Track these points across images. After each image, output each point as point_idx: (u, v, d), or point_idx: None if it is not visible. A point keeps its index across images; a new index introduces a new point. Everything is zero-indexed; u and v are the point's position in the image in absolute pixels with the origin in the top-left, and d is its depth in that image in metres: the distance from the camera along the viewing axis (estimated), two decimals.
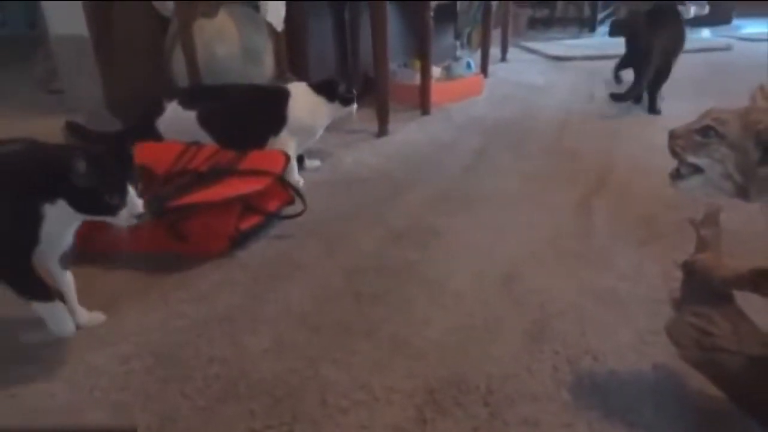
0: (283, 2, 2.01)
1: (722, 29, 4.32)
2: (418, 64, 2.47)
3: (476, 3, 3.33)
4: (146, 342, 1.05)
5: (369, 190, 1.74)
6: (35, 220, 0.94)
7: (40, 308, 1.00)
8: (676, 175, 0.81)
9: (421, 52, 2.39)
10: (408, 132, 2.25)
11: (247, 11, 1.98)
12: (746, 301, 0.84)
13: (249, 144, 1.65)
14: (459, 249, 1.37)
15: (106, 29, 1.98)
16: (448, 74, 2.75)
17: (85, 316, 1.10)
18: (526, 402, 0.90)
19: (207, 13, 1.90)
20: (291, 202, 1.52)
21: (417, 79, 2.47)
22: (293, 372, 0.97)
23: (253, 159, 1.52)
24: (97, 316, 1.11)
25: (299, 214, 1.49)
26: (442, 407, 0.89)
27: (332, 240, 1.42)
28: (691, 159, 0.78)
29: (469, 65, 2.82)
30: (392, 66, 2.43)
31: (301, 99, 1.81)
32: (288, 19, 2.05)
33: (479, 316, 1.11)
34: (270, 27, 2.01)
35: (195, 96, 1.78)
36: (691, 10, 4.63)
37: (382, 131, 2.22)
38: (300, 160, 1.89)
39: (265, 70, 2.04)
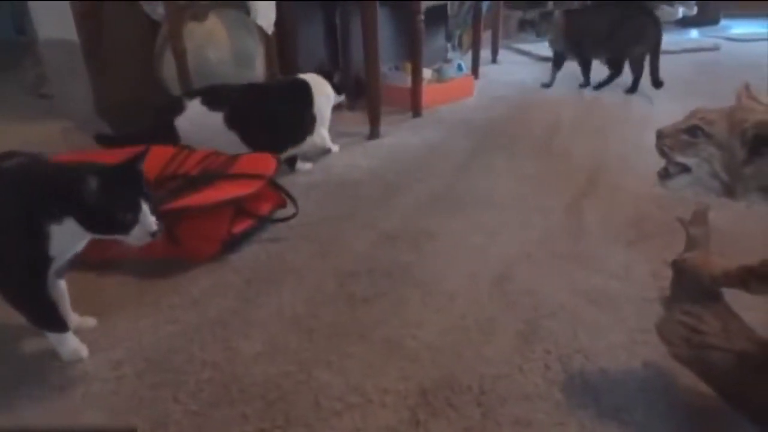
0: (274, 5, 2.01)
1: (710, 30, 4.36)
2: (409, 66, 2.47)
3: (467, 5, 3.34)
4: (138, 347, 1.05)
5: (361, 192, 1.74)
6: (42, 241, 0.92)
7: (53, 338, 0.99)
8: (665, 175, 0.82)
9: (412, 54, 2.40)
10: (400, 134, 2.26)
11: (238, 14, 1.98)
12: (735, 298, 0.85)
13: (286, 145, 1.77)
14: (452, 250, 1.38)
15: (96, 33, 1.97)
16: (440, 76, 2.75)
17: (76, 320, 1.09)
18: (519, 402, 0.90)
19: (197, 17, 1.90)
20: (283, 205, 1.52)
21: (408, 82, 2.47)
22: (286, 375, 0.97)
23: (245, 162, 1.52)
24: (88, 320, 1.11)
25: (291, 217, 1.49)
26: (435, 408, 0.89)
27: (325, 243, 1.42)
28: (679, 158, 0.78)
29: (460, 67, 2.83)
30: (383, 68, 2.43)
31: (319, 89, 1.88)
32: (278, 22, 2.05)
33: (472, 317, 1.11)
34: (260, 30, 2.01)
35: (220, 95, 1.70)
36: (680, 11, 4.69)
37: (374, 134, 2.22)
38: (292, 162, 1.89)
39: (255, 73, 2.04)
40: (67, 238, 0.93)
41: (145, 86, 2.02)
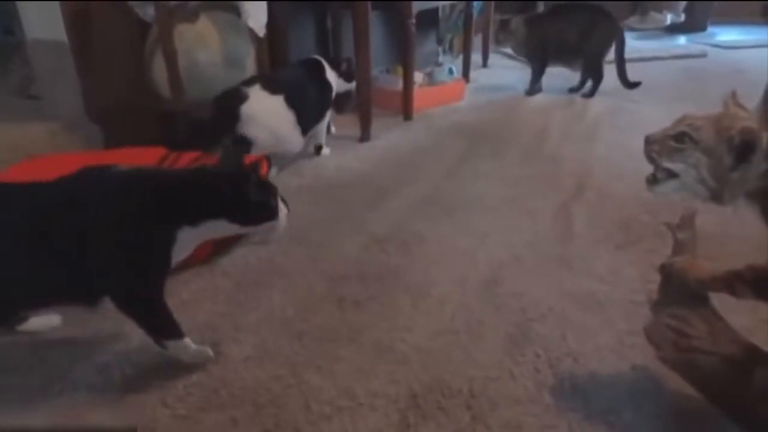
0: (265, 7, 2.01)
1: (698, 36, 4.40)
2: (400, 69, 2.48)
3: (458, 10, 3.35)
4: (126, 351, 1.04)
5: (352, 195, 1.74)
6: (169, 249, 0.93)
7: (174, 346, 0.97)
8: (653, 180, 0.83)
9: (403, 57, 2.40)
10: (390, 137, 2.26)
11: (229, 17, 1.97)
12: (721, 302, 0.86)
13: (319, 119, 1.98)
14: (442, 254, 1.38)
15: (85, 34, 1.96)
16: (431, 80, 2.76)
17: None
18: (508, 405, 0.90)
19: (188, 18, 1.89)
20: None
21: (399, 85, 2.48)
22: (276, 379, 0.97)
23: None
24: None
25: None
26: (425, 412, 0.90)
27: (315, 246, 1.42)
28: (667, 164, 0.79)
29: (451, 71, 2.84)
30: (375, 72, 2.43)
31: (329, 66, 2.03)
32: (270, 24, 2.05)
33: (462, 320, 1.12)
34: (252, 32, 2.00)
35: (275, 81, 1.86)
36: (668, 18, 4.74)
37: (365, 137, 2.22)
38: (318, 148, 2.06)
39: (247, 75, 2.03)
40: (187, 245, 0.96)
41: (135, 88, 2.01)
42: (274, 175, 1.91)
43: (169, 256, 0.93)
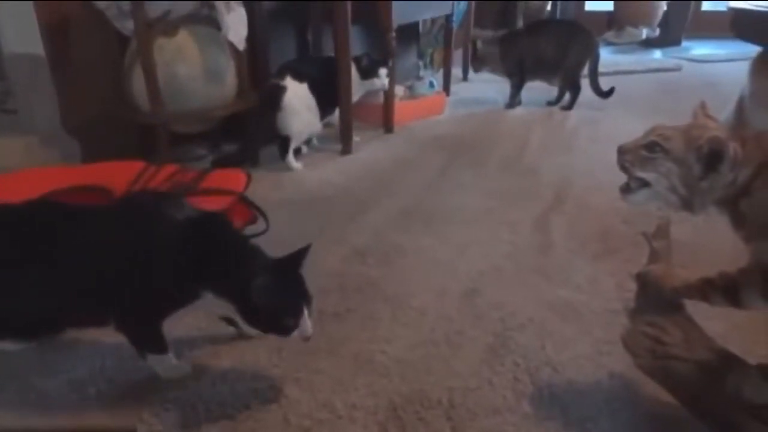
0: (245, 21, 2.01)
1: (673, 50, 4.50)
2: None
3: (438, 24, 3.40)
4: (101, 367, 1.02)
5: (332, 208, 1.74)
6: (191, 299, 0.91)
7: (153, 359, 0.96)
8: (626, 189, 0.84)
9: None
10: (371, 150, 2.27)
11: (208, 30, 1.97)
12: (696, 309, 0.87)
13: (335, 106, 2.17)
14: (422, 266, 1.38)
15: (63, 47, 1.94)
16: (411, 93, 2.78)
17: None
18: (488, 415, 0.90)
19: (167, 32, 1.89)
20: (253, 221, 1.51)
21: (380, 98, 2.49)
22: (254, 393, 0.96)
23: (215, 178, 1.50)
24: None
25: (262, 233, 1.47)
26: (404, 423, 0.89)
27: None
28: (639, 173, 0.81)
29: (431, 84, 2.86)
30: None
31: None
32: (250, 38, 2.05)
33: (441, 331, 1.12)
34: (232, 46, 2.00)
35: (301, 69, 2.08)
36: (643, 32, 4.84)
37: (346, 150, 2.23)
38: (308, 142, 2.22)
39: (226, 89, 2.03)
40: (206, 305, 0.92)
41: (113, 102, 2.00)
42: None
43: (186, 305, 0.92)
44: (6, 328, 0.91)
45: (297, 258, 0.91)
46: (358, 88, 2.22)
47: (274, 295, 0.86)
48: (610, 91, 2.81)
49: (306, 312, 0.89)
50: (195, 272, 0.88)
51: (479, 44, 2.93)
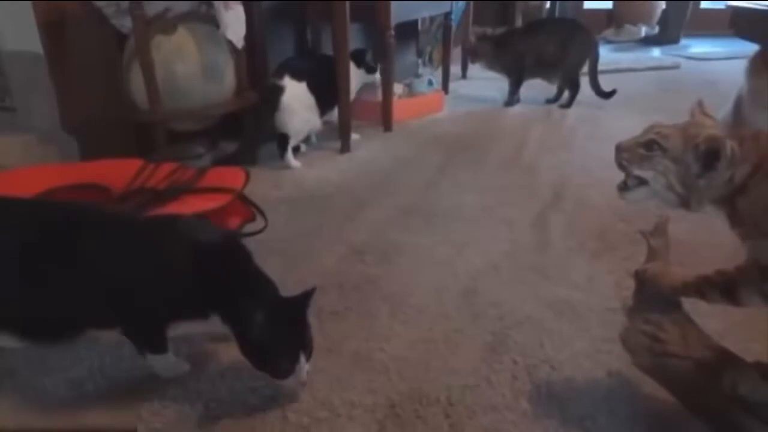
0: (243, 19, 2.01)
1: (671, 48, 4.50)
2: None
3: (437, 22, 3.39)
4: (99, 366, 1.02)
5: (331, 206, 1.74)
6: (200, 317, 0.92)
7: (152, 358, 0.96)
8: (624, 187, 0.84)
9: (383, 69, 2.42)
10: (370, 149, 2.27)
11: (207, 28, 1.97)
12: (693, 307, 0.87)
13: (334, 104, 2.16)
14: (420, 264, 1.38)
15: (61, 45, 1.94)
16: (410, 91, 2.78)
17: None
18: (486, 412, 0.91)
19: (165, 30, 1.89)
20: (252, 219, 1.51)
21: (379, 96, 2.49)
22: (253, 391, 0.96)
23: (213, 176, 1.50)
24: None
25: (260, 231, 1.47)
26: (403, 421, 0.89)
27: (293, 257, 1.42)
28: (636, 171, 0.81)
29: (430, 82, 2.86)
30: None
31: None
32: (248, 36, 2.05)
33: (440, 329, 1.12)
34: (230, 44, 2.00)
35: (299, 67, 2.09)
36: (642, 30, 4.84)
37: (345, 148, 2.22)
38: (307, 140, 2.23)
39: (225, 87, 2.03)
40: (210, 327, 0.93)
41: (112, 100, 1.99)
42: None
43: (193, 320, 0.94)
44: (28, 327, 0.92)
45: (303, 300, 0.92)
46: (357, 81, 2.25)
47: (272, 334, 0.87)
48: (611, 93, 2.80)
49: (303, 359, 0.90)
50: (206, 294, 0.90)
51: (475, 44, 2.92)
